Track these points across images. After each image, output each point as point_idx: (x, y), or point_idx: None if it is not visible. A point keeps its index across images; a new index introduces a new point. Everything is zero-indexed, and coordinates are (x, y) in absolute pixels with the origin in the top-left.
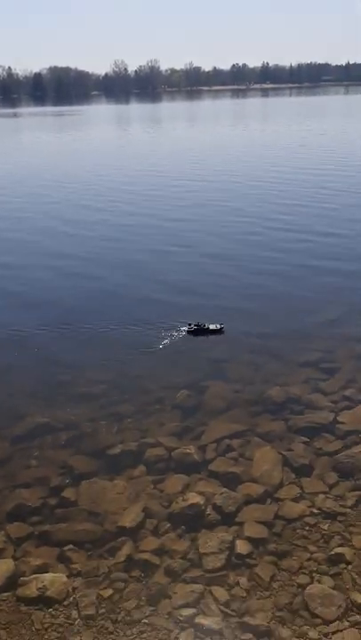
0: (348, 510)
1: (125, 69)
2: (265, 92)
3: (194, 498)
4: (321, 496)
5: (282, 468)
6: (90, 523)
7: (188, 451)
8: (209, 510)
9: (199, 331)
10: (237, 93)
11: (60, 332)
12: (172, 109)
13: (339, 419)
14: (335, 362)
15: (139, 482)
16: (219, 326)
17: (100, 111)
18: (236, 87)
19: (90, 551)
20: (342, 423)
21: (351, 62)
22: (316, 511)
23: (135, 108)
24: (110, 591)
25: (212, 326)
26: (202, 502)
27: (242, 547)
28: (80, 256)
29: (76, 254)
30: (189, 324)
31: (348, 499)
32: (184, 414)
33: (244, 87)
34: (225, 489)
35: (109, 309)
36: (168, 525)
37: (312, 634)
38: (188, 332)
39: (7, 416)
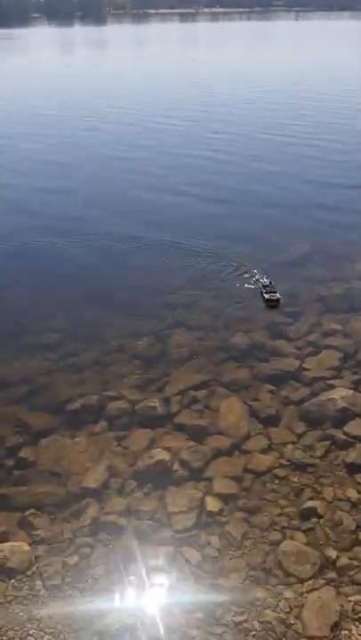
0: (318, 461)
1: None
2: (215, 17)
3: (160, 454)
4: (290, 447)
5: (248, 419)
6: (51, 484)
7: (152, 404)
8: (176, 466)
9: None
10: (186, 17)
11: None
12: (124, 35)
13: (304, 365)
14: (298, 305)
15: (101, 438)
16: (276, 296)
17: (45, 36)
18: (184, 10)
19: (52, 515)
20: (308, 370)
21: None
22: (285, 463)
23: (82, 32)
24: (76, 558)
25: (266, 296)
26: (168, 458)
27: (212, 504)
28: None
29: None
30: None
31: (318, 449)
32: (146, 365)
33: (193, 11)
34: (192, 443)
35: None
36: (134, 484)
37: (287, 593)
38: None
39: None
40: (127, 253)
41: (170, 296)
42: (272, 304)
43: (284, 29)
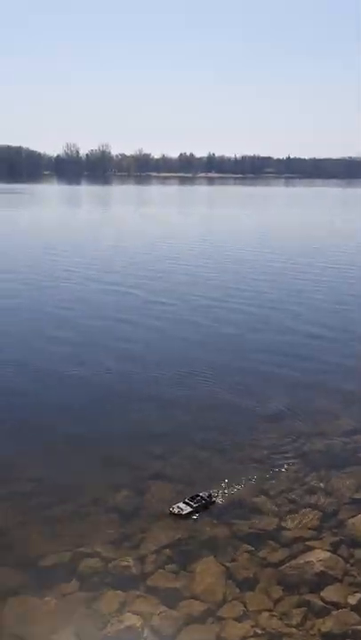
0: (294, 630)
1: (77, 152)
2: (211, 181)
3: (130, 619)
4: (265, 614)
5: (225, 582)
6: None
7: (125, 563)
8: (146, 633)
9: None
10: (185, 181)
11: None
12: (127, 193)
13: (283, 524)
14: (281, 460)
15: (72, 599)
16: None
17: (51, 191)
18: (183, 175)
19: None
20: (287, 529)
21: (292, 157)
22: (260, 632)
23: (86, 190)
24: None
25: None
26: (139, 624)
27: None
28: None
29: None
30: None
31: (294, 616)
32: (122, 519)
33: (190, 175)
34: (164, 607)
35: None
36: None
37: None
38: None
39: None
40: (110, 395)
41: (153, 443)
42: (172, 514)
43: (274, 193)
